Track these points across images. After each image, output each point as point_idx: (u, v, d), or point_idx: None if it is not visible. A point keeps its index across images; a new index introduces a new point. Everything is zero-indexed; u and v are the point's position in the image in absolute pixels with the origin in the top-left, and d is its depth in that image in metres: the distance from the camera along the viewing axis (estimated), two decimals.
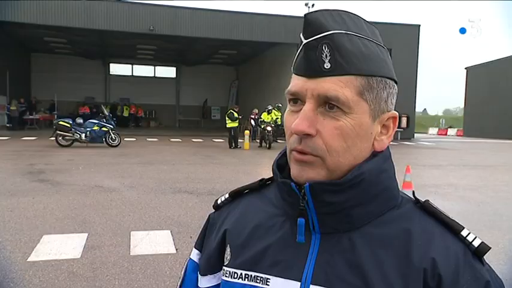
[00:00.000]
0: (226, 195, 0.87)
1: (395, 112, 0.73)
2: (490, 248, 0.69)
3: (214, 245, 0.82)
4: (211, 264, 0.83)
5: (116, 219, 5.90)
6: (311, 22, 0.66)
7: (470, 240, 0.69)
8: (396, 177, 0.75)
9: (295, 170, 0.70)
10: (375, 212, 0.70)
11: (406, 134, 27.21)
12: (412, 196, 0.76)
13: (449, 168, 13.03)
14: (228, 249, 0.79)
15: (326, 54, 0.65)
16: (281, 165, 0.77)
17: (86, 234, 5.17)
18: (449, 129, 44.74)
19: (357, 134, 0.67)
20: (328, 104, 0.66)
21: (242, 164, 12.40)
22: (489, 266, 0.70)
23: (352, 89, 0.66)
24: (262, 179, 0.85)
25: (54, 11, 21.48)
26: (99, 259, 4.39)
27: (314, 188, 0.68)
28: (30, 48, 30.71)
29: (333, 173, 0.68)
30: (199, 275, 0.86)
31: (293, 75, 0.70)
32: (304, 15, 0.67)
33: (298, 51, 0.68)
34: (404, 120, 27.28)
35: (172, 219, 6.00)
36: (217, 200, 0.89)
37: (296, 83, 0.68)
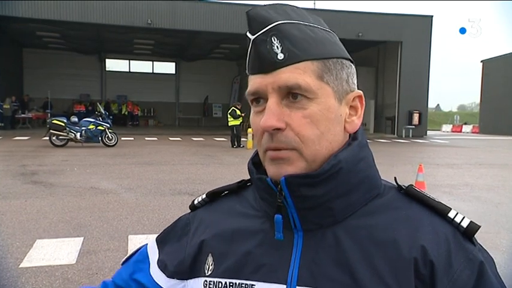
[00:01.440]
0: (204, 196, 0.88)
1: (360, 91, 0.75)
2: (480, 226, 0.70)
3: (191, 252, 0.82)
4: (183, 268, 0.83)
5: (112, 223, 5.92)
6: (254, 17, 0.69)
7: (459, 221, 0.70)
8: (376, 165, 0.76)
9: (272, 169, 0.70)
10: (357, 203, 0.71)
11: (418, 131, 27.15)
12: (394, 183, 0.77)
13: (465, 167, 12.98)
14: (209, 258, 0.79)
15: (277, 45, 0.67)
16: (257, 164, 0.77)
17: (82, 239, 5.19)
18: (464, 126, 44.56)
19: (326, 118, 0.69)
20: (291, 94, 0.68)
21: (245, 164, 12.16)
22: (480, 245, 0.72)
23: (311, 74, 0.68)
24: (242, 180, 0.86)
25: (47, 4, 21.53)
26: (95, 264, 4.40)
27: (290, 182, 0.68)
28: (22, 43, 30.80)
29: (311, 164, 0.69)
30: (161, 273, 0.86)
31: (249, 76, 0.72)
32: (246, 12, 0.69)
33: (249, 49, 0.70)
34: (416, 116, 27.23)
35: (172, 222, 5.99)
36: (194, 200, 0.90)
37: (254, 81, 0.70)
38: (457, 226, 0.70)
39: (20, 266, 4.31)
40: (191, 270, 0.81)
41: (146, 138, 20.97)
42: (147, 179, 9.45)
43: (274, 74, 0.67)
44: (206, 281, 0.78)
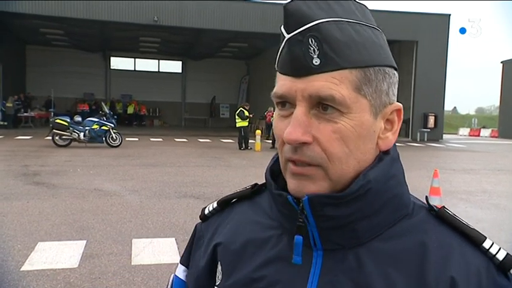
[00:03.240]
0: (215, 205, 0.84)
1: (399, 104, 0.70)
2: None
3: (204, 263, 0.80)
4: (200, 284, 0.81)
5: (116, 226, 5.95)
6: (292, 13, 0.63)
7: (494, 253, 0.66)
8: (406, 181, 0.72)
9: (292, 184, 0.67)
10: (383, 224, 0.68)
11: (433, 134, 26.97)
12: (425, 202, 0.73)
13: (482, 173, 12.87)
14: (219, 267, 0.77)
15: (314, 49, 0.61)
16: (275, 172, 0.74)
17: (84, 242, 5.23)
18: (482, 129, 44.15)
19: (358, 135, 0.64)
20: (322, 105, 0.63)
21: (253, 167, 12.41)
22: None
23: (347, 85, 0.62)
24: (255, 184, 0.82)
25: (51, 0, 21.72)
26: (98, 269, 4.43)
27: (314, 202, 0.65)
28: (25, 40, 31.09)
29: (336, 184, 0.65)
30: None
31: (278, 74, 0.67)
32: (284, 5, 0.63)
33: (281, 47, 0.65)
34: (431, 119, 27.04)
35: (177, 225, 6.03)
36: (204, 209, 0.86)
37: (283, 83, 0.65)
38: (492, 258, 0.65)
39: (21, 269, 4.36)
40: (209, 283, 0.79)
41: (151, 139, 21.06)
42: (152, 181, 9.50)
43: (306, 80, 0.62)
44: None
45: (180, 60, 37.31)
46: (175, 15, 23.38)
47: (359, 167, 0.66)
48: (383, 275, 0.65)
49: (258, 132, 18.05)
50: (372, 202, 0.66)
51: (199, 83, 37.02)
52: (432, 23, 26.54)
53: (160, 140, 21.01)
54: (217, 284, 0.77)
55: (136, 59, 36.89)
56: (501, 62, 41.55)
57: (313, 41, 0.61)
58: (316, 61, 0.62)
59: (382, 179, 0.66)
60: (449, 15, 27.36)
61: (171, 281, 0.88)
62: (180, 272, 0.87)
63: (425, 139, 26.29)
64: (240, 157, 14.85)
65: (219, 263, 0.77)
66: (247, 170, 11.78)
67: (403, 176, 0.72)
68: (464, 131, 45.78)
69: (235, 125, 18.03)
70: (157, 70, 37.63)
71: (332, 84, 0.62)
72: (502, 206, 8.12)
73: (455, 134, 44.57)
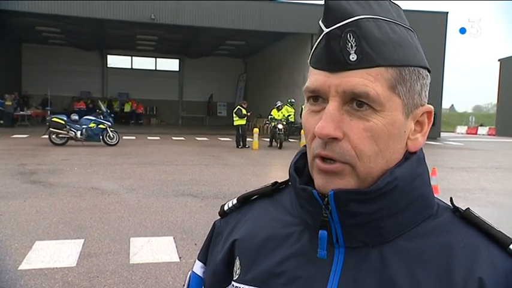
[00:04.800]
0: (234, 201, 0.84)
1: (430, 106, 0.70)
2: None
3: (221, 257, 0.80)
4: (217, 279, 0.81)
5: (114, 224, 5.95)
6: (333, 7, 0.63)
7: None
8: (430, 182, 0.72)
9: (319, 180, 0.67)
10: (408, 223, 0.68)
11: (431, 132, 26.20)
12: (449, 203, 0.73)
13: (480, 170, 12.92)
14: (237, 262, 0.77)
15: (352, 44, 0.61)
16: (299, 169, 0.74)
17: (82, 241, 5.22)
18: (479, 127, 44.28)
19: (389, 134, 0.64)
20: (356, 102, 0.63)
21: (251, 165, 12.42)
22: None
23: (383, 83, 0.63)
24: (276, 182, 0.82)
25: None
26: (96, 267, 4.43)
27: (339, 197, 0.64)
28: (21, 38, 31.01)
29: (363, 181, 0.66)
30: None
31: (311, 69, 0.67)
32: (325, 0, 0.64)
33: (318, 41, 0.65)
34: None
35: (175, 224, 6.03)
36: (223, 206, 0.86)
37: (316, 78, 0.65)
38: None
39: (19, 268, 4.35)
40: (227, 277, 0.79)
41: (148, 138, 21.04)
42: (149, 179, 9.50)
43: (341, 76, 0.63)
44: (233, 284, 0.76)
45: (177, 59, 37.30)
46: (172, 13, 23.33)
47: (387, 166, 0.66)
48: (409, 273, 0.64)
49: (256, 130, 18.06)
50: (398, 200, 0.66)
51: (197, 81, 37.03)
52: (429, 21, 26.54)
53: (158, 138, 20.99)
54: (235, 279, 0.76)
55: (133, 57, 36.90)
56: (498, 60, 41.66)
57: (351, 36, 0.62)
58: (353, 57, 0.62)
59: (408, 177, 0.66)
60: (447, 13, 27.43)
61: (188, 277, 0.88)
62: (198, 268, 0.87)
63: None
64: (237, 155, 14.86)
65: (237, 258, 0.77)
66: (245, 168, 11.79)
67: (428, 176, 0.72)
68: (461, 129, 45.91)
69: (233, 123, 18.03)
70: (154, 68, 37.62)
71: (367, 81, 0.62)
72: (500, 203, 8.15)
73: (453, 132, 44.70)
